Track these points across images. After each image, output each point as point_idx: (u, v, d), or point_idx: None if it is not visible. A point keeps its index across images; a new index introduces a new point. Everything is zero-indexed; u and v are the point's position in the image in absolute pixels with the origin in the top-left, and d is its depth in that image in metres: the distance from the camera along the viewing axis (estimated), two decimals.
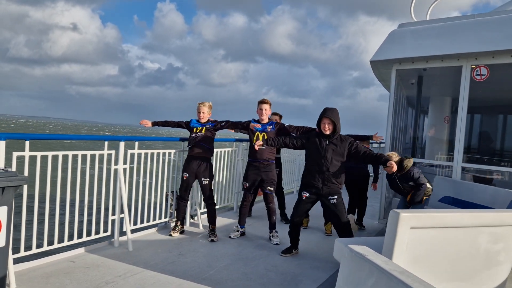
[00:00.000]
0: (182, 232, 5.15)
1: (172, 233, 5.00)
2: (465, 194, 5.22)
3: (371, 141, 6.10)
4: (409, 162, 5.13)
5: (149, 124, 5.13)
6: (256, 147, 4.54)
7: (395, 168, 4.05)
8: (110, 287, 3.37)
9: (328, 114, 4.22)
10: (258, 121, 5.10)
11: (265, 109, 5.06)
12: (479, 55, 5.63)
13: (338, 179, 4.26)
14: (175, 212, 5.21)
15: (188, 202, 5.33)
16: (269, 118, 5.16)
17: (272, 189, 5.10)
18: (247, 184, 5.14)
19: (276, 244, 4.95)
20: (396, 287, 1.43)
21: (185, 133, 5.12)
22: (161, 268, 3.90)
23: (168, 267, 3.92)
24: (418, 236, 2.78)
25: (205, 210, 5.37)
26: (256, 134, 5.02)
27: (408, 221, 2.69)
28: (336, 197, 4.24)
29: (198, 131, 5.05)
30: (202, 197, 5.36)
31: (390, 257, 2.66)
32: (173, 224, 5.18)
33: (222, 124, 5.16)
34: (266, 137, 4.87)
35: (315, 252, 4.75)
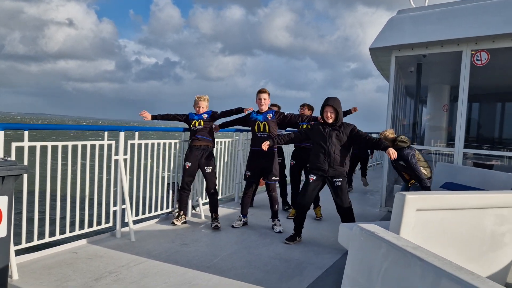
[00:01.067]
0: (184, 222, 5.13)
1: (175, 221, 5.03)
2: (467, 179, 5.21)
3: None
4: (401, 141, 5.22)
5: (149, 117, 5.09)
6: (265, 148, 4.58)
7: (394, 155, 4.10)
8: (113, 277, 3.34)
9: (331, 102, 4.40)
10: (258, 112, 5.07)
11: (264, 99, 5.04)
12: (479, 39, 5.60)
13: (343, 162, 4.41)
14: (178, 202, 5.23)
15: (190, 193, 5.30)
16: (268, 107, 5.13)
17: (275, 178, 5.08)
18: (250, 173, 5.12)
19: (279, 232, 4.93)
20: (410, 262, 1.41)
21: (184, 125, 5.13)
22: (165, 257, 3.87)
23: (171, 257, 3.90)
24: (424, 218, 2.76)
25: (207, 200, 5.35)
26: (257, 123, 4.99)
27: (414, 203, 2.67)
28: (341, 179, 4.37)
29: (197, 124, 5.10)
30: (205, 187, 5.36)
31: None
32: (176, 214, 5.19)
33: (219, 113, 5.14)
34: (267, 127, 4.96)
35: (318, 240, 4.73)
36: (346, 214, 4.35)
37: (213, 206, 5.13)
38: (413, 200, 2.66)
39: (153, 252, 3.99)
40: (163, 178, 5.17)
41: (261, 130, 5.00)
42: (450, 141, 10.65)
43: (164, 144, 5.11)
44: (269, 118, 5.00)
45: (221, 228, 4.95)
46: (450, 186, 5.38)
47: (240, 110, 5.06)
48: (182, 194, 5.15)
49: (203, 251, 4.12)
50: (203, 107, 5.15)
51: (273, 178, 5.06)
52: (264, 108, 5.07)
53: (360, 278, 1.69)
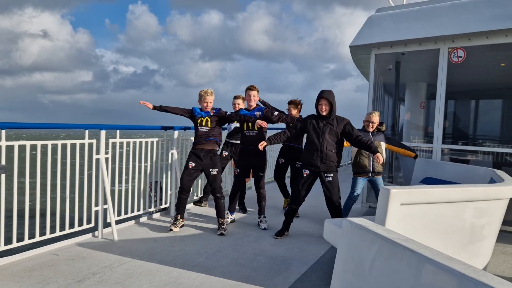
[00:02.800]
0: (182, 226, 4.87)
1: (172, 228, 4.68)
2: (446, 174, 5.33)
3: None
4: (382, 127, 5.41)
5: (150, 106, 4.80)
6: (261, 148, 4.58)
7: (381, 161, 4.31)
8: (97, 278, 3.28)
9: (325, 95, 4.43)
10: (246, 109, 5.08)
11: (253, 95, 5.05)
12: (456, 37, 5.73)
13: (335, 158, 4.49)
14: (176, 206, 4.90)
15: (172, 191, 5.25)
16: (257, 104, 5.14)
17: (262, 174, 5.10)
18: (239, 171, 5.10)
19: (264, 229, 4.95)
20: (401, 255, 1.43)
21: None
22: (149, 257, 3.82)
23: (155, 256, 3.85)
24: (408, 212, 2.81)
25: (190, 199, 5.31)
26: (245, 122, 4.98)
27: (398, 197, 2.72)
28: (332, 175, 4.47)
29: (204, 123, 4.82)
30: (210, 191, 5.04)
31: None
32: (173, 220, 4.90)
33: (227, 115, 4.93)
34: (258, 125, 4.84)
35: (302, 236, 4.76)
36: (336, 209, 4.50)
37: (220, 211, 4.83)
38: (397, 194, 2.70)
39: (137, 252, 3.94)
40: (145, 176, 5.10)
41: (250, 128, 4.97)
42: (427, 138, 10.89)
43: (146, 142, 5.05)
44: (257, 116, 4.97)
45: (227, 234, 4.71)
46: (430, 181, 5.49)
47: (253, 121, 4.87)
48: (181, 197, 4.83)
49: (187, 250, 4.08)
50: (210, 102, 4.81)
51: (259, 173, 5.07)
52: (253, 105, 5.07)
53: (351, 272, 1.70)
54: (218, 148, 4.95)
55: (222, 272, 3.52)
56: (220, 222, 4.78)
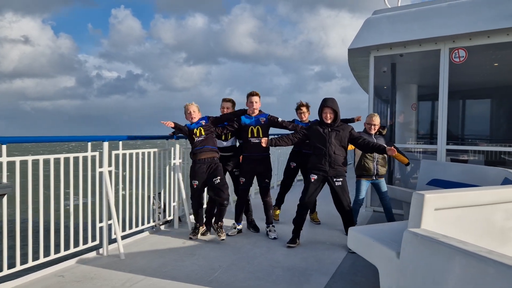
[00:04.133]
0: (203, 233, 4.90)
1: (192, 237, 4.77)
2: (455, 176, 5.26)
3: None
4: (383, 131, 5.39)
5: (171, 125, 4.74)
6: (264, 144, 4.52)
7: (395, 152, 4.25)
8: None
9: (329, 104, 4.44)
10: (248, 115, 4.89)
11: (255, 102, 4.85)
12: (457, 37, 5.70)
13: (342, 162, 4.49)
14: (194, 217, 4.92)
15: (175, 203, 5.04)
16: (260, 111, 4.95)
17: (268, 181, 4.93)
18: (244, 180, 4.91)
19: (274, 238, 4.79)
20: (486, 268, 1.30)
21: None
22: (161, 274, 3.62)
23: (168, 273, 3.65)
24: (442, 217, 2.68)
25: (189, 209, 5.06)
26: (250, 128, 4.80)
27: (433, 202, 2.59)
28: (341, 179, 4.46)
29: (198, 134, 4.71)
30: (217, 200, 4.69)
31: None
32: (193, 228, 4.94)
33: (218, 116, 4.91)
34: (261, 132, 4.82)
35: (315, 245, 4.61)
36: (347, 214, 4.49)
37: (220, 215, 4.69)
38: (432, 199, 2.58)
39: (148, 270, 3.73)
40: (148, 189, 4.89)
41: (255, 135, 4.80)
42: (419, 140, 10.93)
43: (149, 153, 4.84)
44: (262, 122, 4.83)
45: (225, 238, 4.64)
46: (438, 183, 5.43)
47: (243, 111, 4.90)
48: (197, 212, 4.83)
49: (200, 265, 3.89)
50: (194, 111, 4.77)
51: (266, 180, 4.93)
52: (256, 111, 4.89)
53: (421, 285, 1.56)
54: (218, 156, 4.77)
55: (242, 287, 3.34)
56: (219, 225, 4.66)
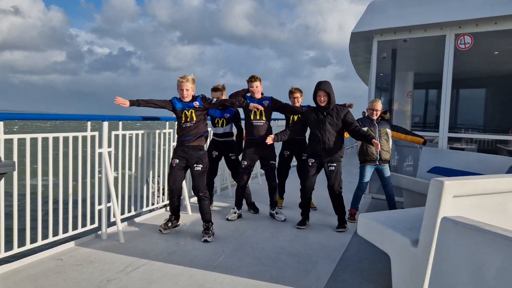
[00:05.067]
0: (175, 227, 4.40)
1: (161, 229, 4.26)
2: (457, 164, 5.21)
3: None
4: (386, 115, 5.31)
5: (127, 104, 3.99)
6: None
7: (379, 146, 4.30)
8: (114, 285, 2.95)
9: (322, 86, 4.45)
10: (252, 98, 4.83)
11: (256, 86, 4.79)
12: (463, 23, 5.60)
13: (337, 148, 4.54)
14: (170, 210, 4.40)
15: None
16: (262, 94, 4.89)
17: (273, 162, 4.87)
18: (246, 163, 4.83)
19: (284, 220, 4.88)
20: None
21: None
22: (163, 259, 3.51)
23: (170, 258, 3.55)
24: (460, 205, 2.61)
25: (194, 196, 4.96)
26: (253, 110, 4.72)
27: (452, 189, 2.52)
28: (335, 164, 4.54)
29: (188, 119, 4.17)
30: (192, 189, 4.38)
31: (434, 229, 2.48)
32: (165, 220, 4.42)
33: (213, 102, 4.34)
34: (263, 113, 4.77)
35: (317, 231, 4.55)
36: (336, 197, 4.62)
37: (204, 214, 4.20)
38: (451, 186, 2.50)
39: (149, 254, 3.62)
40: (148, 171, 4.76)
41: (258, 117, 4.73)
42: (414, 127, 10.91)
43: (149, 134, 4.70)
44: (266, 105, 4.76)
45: (213, 241, 4.08)
46: (439, 171, 5.38)
47: (241, 104, 4.61)
48: (172, 201, 4.31)
49: (203, 250, 3.80)
50: (187, 89, 4.14)
51: (271, 162, 4.88)
52: (258, 95, 4.83)
53: (462, 276, 1.48)
54: (205, 143, 4.41)
55: (248, 273, 3.26)
56: (205, 226, 4.16)
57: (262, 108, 4.68)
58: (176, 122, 4.36)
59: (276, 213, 4.94)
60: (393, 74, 8.07)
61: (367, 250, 3.86)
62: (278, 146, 5.39)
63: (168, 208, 5.10)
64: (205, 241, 4.04)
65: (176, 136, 4.39)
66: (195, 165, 4.21)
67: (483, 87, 11.50)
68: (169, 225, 4.33)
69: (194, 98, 4.24)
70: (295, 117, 5.27)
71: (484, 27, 5.50)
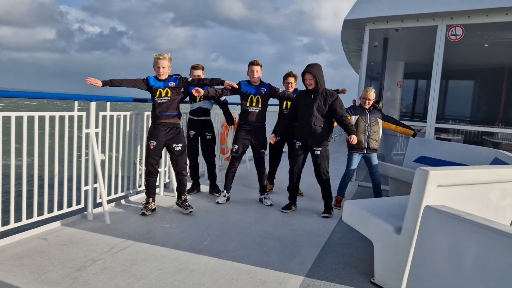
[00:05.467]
0: (154, 210, 4.40)
1: (145, 211, 4.24)
2: (443, 154, 5.29)
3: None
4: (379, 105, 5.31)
5: (99, 83, 3.98)
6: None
7: (354, 141, 4.39)
8: (99, 266, 2.96)
9: (309, 69, 4.42)
10: (249, 83, 4.80)
11: (256, 71, 4.73)
12: (455, 14, 5.62)
13: (324, 133, 4.54)
14: (145, 189, 4.43)
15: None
16: (261, 80, 4.84)
17: (264, 151, 4.89)
18: (237, 147, 4.85)
19: (271, 205, 4.90)
20: None
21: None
22: (149, 240, 3.53)
23: (157, 240, 3.56)
24: (443, 194, 2.66)
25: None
26: (250, 96, 4.73)
27: (436, 179, 2.56)
28: (321, 149, 4.57)
29: (163, 95, 4.24)
30: (173, 169, 4.55)
31: (417, 217, 2.52)
32: (144, 202, 4.45)
33: (189, 81, 4.42)
34: (261, 102, 4.79)
35: (303, 216, 4.59)
36: (323, 183, 4.66)
37: (181, 187, 4.50)
38: (436, 176, 2.55)
39: (135, 236, 3.62)
40: (135, 153, 4.73)
41: (254, 104, 4.74)
42: (404, 116, 11.00)
43: (136, 116, 4.66)
44: (263, 93, 4.76)
45: (193, 211, 4.38)
46: (425, 161, 5.46)
47: (219, 82, 4.56)
48: (149, 180, 4.37)
49: (189, 232, 3.81)
50: (164, 67, 4.19)
51: (262, 151, 4.90)
52: (257, 81, 4.79)
53: (443, 263, 1.51)
54: (179, 121, 4.46)
55: (233, 257, 3.29)
56: (183, 199, 4.46)
57: (236, 87, 4.66)
58: (151, 99, 4.38)
59: (264, 198, 4.99)
60: (383, 63, 8.08)
61: (351, 236, 3.92)
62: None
63: (160, 186, 5.11)
64: (191, 212, 4.35)
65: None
66: (174, 145, 4.34)
67: (472, 79, 11.60)
68: (149, 207, 4.32)
69: (170, 77, 4.32)
70: (289, 103, 5.27)
71: (475, 19, 5.53)
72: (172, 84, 4.29)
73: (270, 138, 4.77)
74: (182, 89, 4.47)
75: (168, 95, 4.27)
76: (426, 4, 5.75)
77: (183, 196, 4.49)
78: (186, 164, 4.53)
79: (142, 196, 4.87)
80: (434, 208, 1.60)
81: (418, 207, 2.57)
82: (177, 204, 4.61)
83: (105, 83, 4.03)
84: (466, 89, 11.83)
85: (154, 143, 4.29)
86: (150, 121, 4.42)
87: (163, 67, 4.21)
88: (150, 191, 4.41)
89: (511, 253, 1.27)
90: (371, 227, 2.98)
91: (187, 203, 4.45)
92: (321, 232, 4.08)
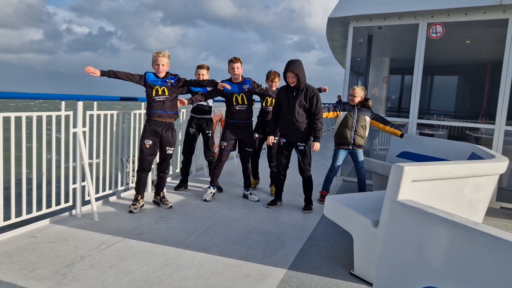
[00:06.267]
0: (142, 206, 4.49)
1: (132, 210, 4.29)
2: (425, 149, 5.44)
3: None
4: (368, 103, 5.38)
5: (97, 73, 4.00)
6: (270, 143, 4.89)
7: (316, 149, 4.60)
8: (87, 262, 3.04)
9: (291, 67, 4.44)
10: (230, 80, 4.84)
11: (237, 68, 4.75)
12: (435, 12, 5.76)
13: (307, 128, 4.63)
14: (136, 185, 4.48)
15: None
16: (242, 76, 4.88)
17: (250, 150, 4.98)
18: (225, 144, 4.92)
19: (258, 200, 5.01)
20: (473, 239, 1.37)
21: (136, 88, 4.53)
22: (137, 237, 3.61)
23: (144, 236, 3.65)
24: (418, 189, 2.79)
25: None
26: (235, 96, 4.78)
27: (411, 174, 2.69)
28: (304, 144, 4.67)
29: (160, 93, 4.27)
30: (158, 168, 4.63)
31: None
32: (133, 199, 4.50)
33: (187, 80, 4.51)
34: (245, 99, 4.84)
35: (287, 211, 4.71)
36: (304, 178, 4.80)
37: (161, 185, 4.67)
38: (411, 171, 2.67)
39: (123, 232, 3.71)
40: (123, 151, 4.80)
41: (239, 102, 4.80)
42: (389, 112, 11.16)
43: (124, 114, 4.72)
44: (246, 90, 4.81)
45: (183, 222, 4.16)
46: (407, 156, 5.61)
47: (214, 84, 4.63)
48: (140, 176, 4.42)
49: (176, 228, 3.91)
50: (163, 64, 4.24)
51: (247, 149, 4.98)
52: (238, 78, 4.82)
53: (409, 255, 1.63)
54: (174, 121, 4.53)
55: (219, 251, 3.39)
56: (162, 195, 4.63)
57: (229, 87, 4.67)
58: (146, 96, 4.39)
59: (250, 193, 5.09)
60: (368, 59, 8.22)
61: (334, 230, 4.05)
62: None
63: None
64: (171, 207, 4.51)
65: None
66: (167, 147, 4.46)
67: (456, 74, 11.81)
68: (137, 204, 4.39)
69: (168, 75, 4.37)
70: (269, 100, 5.37)
71: (455, 17, 5.68)
72: (170, 82, 4.34)
73: (269, 139, 4.83)
74: (180, 88, 4.53)
75: (166, 93, 4.31)
76: (408, 3, 5.89)
77: (161, 193, 4.63)
78: (169, 165, 4.67)
79: (130, 193, 4.95)
80: (401, 202, 1.72)
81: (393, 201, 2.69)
82: (154, 201, 4.69)
83: (103, 73, 4.06)
84: (450, 84, 12.03)
85: (150, 142, 4.34)
86: (145, 118, 4.44)
87: (162, 65, 4.25)
88: (140, 187, 4.46)
89: (468, 243, 1.39)
90: (351, 221, 3.10)
91: (165, 199, 4.59)
92: (304, 226, 4.20)
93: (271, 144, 4.95)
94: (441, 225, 1.47)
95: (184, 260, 3.17)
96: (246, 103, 4.82)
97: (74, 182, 4.04)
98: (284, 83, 5.32)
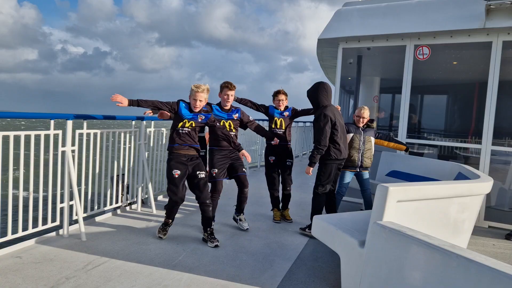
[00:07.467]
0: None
1: (162, 236, 4.16)
2: (413, 168, 5.49)
3: None
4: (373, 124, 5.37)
5: (125, 102, 3.78)
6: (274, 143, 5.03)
7: (310, 173, 4.71)
8: (72, 283, 3.01)
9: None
10: (218, 105, 4.61)
11: (231, 95, 4.54)
12: (422, 35, 5.90)
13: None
14: (167, 212, 4.18)
15: (139, 185, 4.96)
16: (231, 105, 4.66)
17: (245, 170, 4.73)
18: (216, 171, 4.50)
19: (247, 229, 4.67)
20: (449, 261, 1.39)
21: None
22: (124, 257, 3.58)
23: (131, 256, 3.62)
24: (403, 209, 2.81)
25: (157, 192, 5.05)
26: (222, 121, 4.53)
27: (395, 194, 2.70)
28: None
29: (186, 125, 4.09)
30: (197, 197, 4.17)
31: None
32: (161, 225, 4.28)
33: (211, 121, 4.35)
34: (232, 126, 4.59)
35: (277, 230, 4.71)
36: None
37: (208, 220, 4.12)
38: (395, 192, 2.69)
39: (110, 252, 3.68)
40: (112, 170, 4.79)
41: (227, 129, 4.55)
42: (379, 131, 11.22)
43: (114, 133, 4.73)
44: (235, 118, 4.62)
45: (220, 246, 4.07)
46: (396, 175, 5.65)
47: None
48: (173, 207, 4.11)
49: (163, 248, 3.88)
50: (201, 100, 4.03)
51: (243, 169, 4.66)
52: (229, 105, 4.60)
53: (389, 276, 1.65)
54: (199, 153, 4.34)
55: (206, 272, 3.37)
56: (209, 232, 4.11)
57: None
58: (171, 126, 4.23)
59: (240, 219, 4.77)
60: (358, 79, 8.34)
61: (323, 250, 4.05)
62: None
63: (132, 206, 5.17)
64: (216, 246, 4.02)
65: (168, 141, 4.28)
66: (198, 172, 4.13)
67: (445, 93, 11.99)
68: (167, 229, 4.25)
69: (201, 110, 4.18)
70: (278, 122, 5.20)
71: (441, 40, 5.81)
72: (201, 118, 4.18)
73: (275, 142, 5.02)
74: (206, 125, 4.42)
75: (193, 125, 4.15)
76: (395, 25, 6.02)
77: (208, 229, 4.12)
78: (209, 194, 4.24)
79: (119, 213, 4.92)
80: (381, 224, 1.74)
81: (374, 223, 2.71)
82: (203, 239, 4.19)
83: (131, 103, 3.86)
84: (440, 104, 12.20)
85: (178, 172, 4.02)
86: (167, 152, 4.25)
87: (200, 100, 4.05)
88: (172, 215, 4.19)
89: (444, 265, 1.41)
90: (338, 241, 3.11)
91: (213, 236, 4.12)
92: (294, 246, 4.20)
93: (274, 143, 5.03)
94: (419, 247, 1.49)
95: (170, 281, 3.14)
96: (233, 129, 4.61)
97: (61, 201, 4.01)
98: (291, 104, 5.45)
